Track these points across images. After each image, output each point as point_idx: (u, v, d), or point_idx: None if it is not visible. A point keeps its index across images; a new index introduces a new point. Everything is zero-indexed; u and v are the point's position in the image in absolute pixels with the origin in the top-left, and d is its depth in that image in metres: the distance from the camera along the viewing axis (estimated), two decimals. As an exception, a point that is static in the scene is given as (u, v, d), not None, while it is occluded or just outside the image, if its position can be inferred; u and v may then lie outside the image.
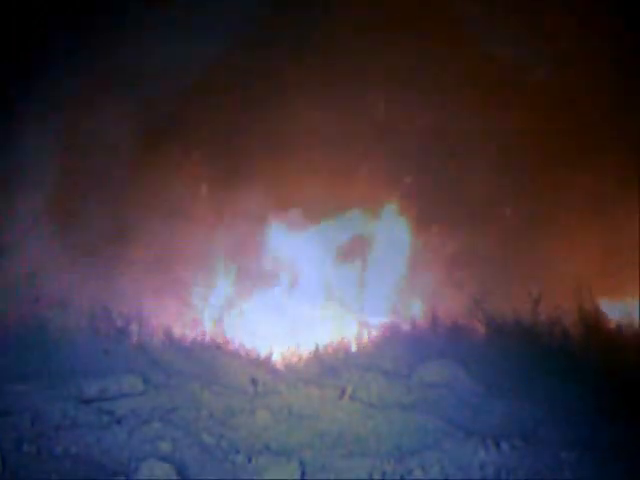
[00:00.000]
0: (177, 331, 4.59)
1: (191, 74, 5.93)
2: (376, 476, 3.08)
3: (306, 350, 4.55)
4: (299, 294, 5.61)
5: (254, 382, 3.97)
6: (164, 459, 2.89)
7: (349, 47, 8.10)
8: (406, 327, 5.08)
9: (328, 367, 4.35)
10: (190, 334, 4.59)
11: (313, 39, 7.17)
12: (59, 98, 4.63)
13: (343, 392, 3.89)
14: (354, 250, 6.84)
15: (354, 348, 4.72)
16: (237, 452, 3.17)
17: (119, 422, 3.22)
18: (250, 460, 3.09)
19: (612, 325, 5.53)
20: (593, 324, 5.30)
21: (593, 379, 4.21)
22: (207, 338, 4.57)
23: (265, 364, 4.28)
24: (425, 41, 6.83)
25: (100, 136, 5.42)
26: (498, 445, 3.29)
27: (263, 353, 4.44)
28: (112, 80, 5.23)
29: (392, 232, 7.43)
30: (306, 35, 7.02)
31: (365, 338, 4.86)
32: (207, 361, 4.22)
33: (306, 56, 7.17)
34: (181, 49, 5.58)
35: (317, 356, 4.50)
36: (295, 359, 4.41)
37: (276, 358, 4.40)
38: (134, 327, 4.40)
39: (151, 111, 5.95)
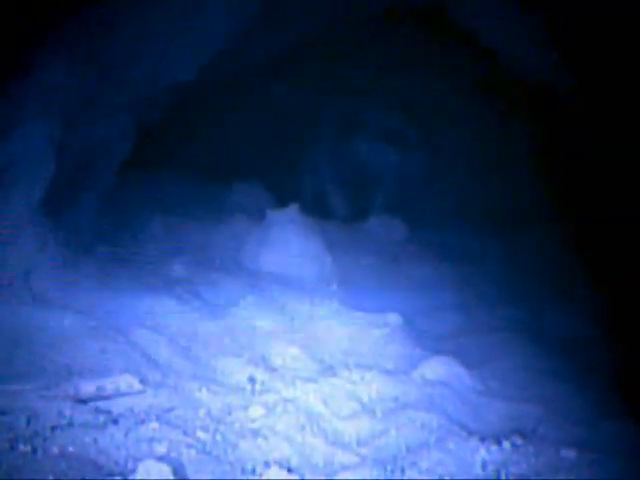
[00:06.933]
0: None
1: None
2: (377, 474, 3.06)
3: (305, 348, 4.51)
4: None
5: (251, 380, 3.94)
6: (161, 459, 2.86)
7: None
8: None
9: (327, 365, 4.33)
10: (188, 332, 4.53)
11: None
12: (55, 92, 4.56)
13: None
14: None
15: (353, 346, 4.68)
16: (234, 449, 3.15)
17: (116, 422, 3.18)
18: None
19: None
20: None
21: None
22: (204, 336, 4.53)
23: (263, 362, 4.23)
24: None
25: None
26: (500, 444, 3.29)
27: (261, 351, 4.40)
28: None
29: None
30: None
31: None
32: (205, 360, 4.19)
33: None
34: None
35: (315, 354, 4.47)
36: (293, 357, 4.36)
37: (274, 356, 4.35)
38: (131, 326, 4.35)
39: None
